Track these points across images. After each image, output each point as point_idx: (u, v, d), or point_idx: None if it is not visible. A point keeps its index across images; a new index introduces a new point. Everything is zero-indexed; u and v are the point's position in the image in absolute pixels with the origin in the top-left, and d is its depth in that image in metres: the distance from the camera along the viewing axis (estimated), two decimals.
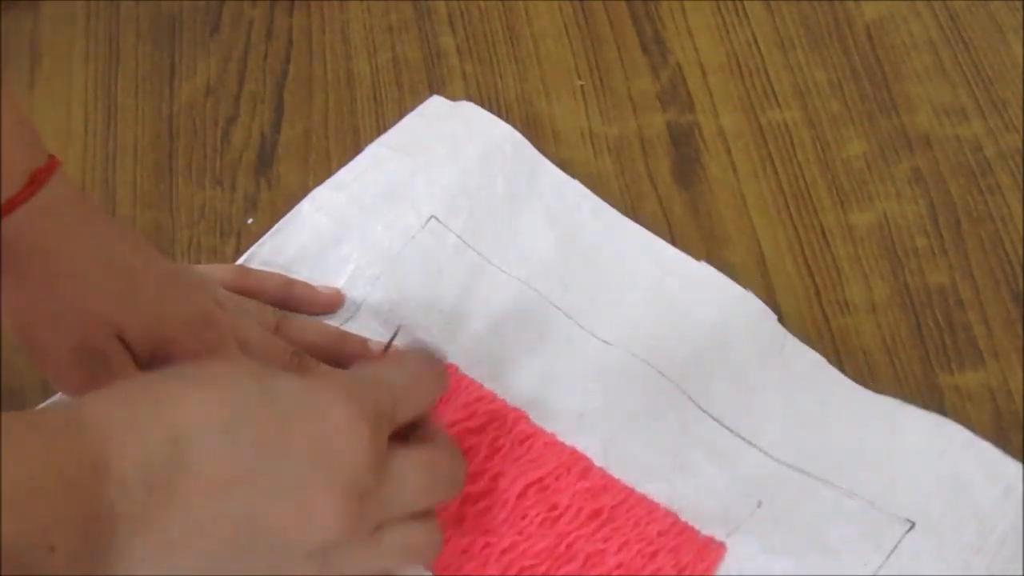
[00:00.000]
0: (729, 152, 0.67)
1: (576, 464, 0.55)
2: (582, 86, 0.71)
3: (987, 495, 0.53)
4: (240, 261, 0.63)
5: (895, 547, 0.52)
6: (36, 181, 0.52)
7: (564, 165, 0.66)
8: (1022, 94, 0.68)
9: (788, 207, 0.65)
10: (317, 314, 0.61)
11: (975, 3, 0.72)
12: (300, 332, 0.59)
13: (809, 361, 0.59)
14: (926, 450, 0.55)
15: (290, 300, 0.61)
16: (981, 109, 0.67)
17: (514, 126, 0.67)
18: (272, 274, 0.61)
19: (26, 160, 0.52)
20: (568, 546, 0.53)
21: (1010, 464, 0.54)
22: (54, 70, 0.74)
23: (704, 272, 0.61)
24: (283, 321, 0.59)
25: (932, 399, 0.58)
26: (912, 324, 0.60)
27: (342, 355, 0.59)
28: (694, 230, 0.64)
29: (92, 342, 0.53)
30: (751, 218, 0.64)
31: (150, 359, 0.54)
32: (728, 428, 0.57)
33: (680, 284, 0.61)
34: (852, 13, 0.73)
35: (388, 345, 0.58)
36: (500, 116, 0.68)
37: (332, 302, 0.61)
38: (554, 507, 0.54)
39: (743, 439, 0.56)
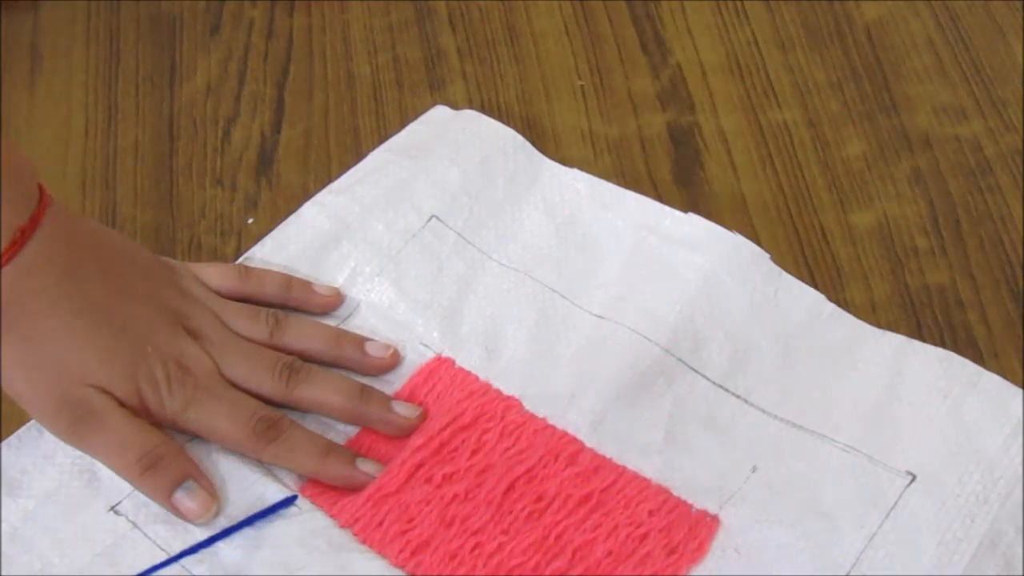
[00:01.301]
0: (729, 152, 0.67)
1: (564, 450, 0.55)
2: (582, 86, 0.71)
3: (993, 437, 0.52)
4: (240, 260, 0.63)
5: (895, 504, 0.51)
6: (16, 243, 0.53)
7: (564, 165, 0.66)
8: (1022, 94, 0.68)
9: (788, 207, 0.65)
10: (315, 314, 0.61)
11: (975, 3, 0.72)
12: (296, 336, 0.59)
13: (806, 304, 0.58)
14: (929, 392, 0.54)
15: (288, 300, 0.61)
16: (981, 109, 0.67)
17: (514, 126, 0.67)
18: (272, 273, 0.61)
19: (12, 216, 0.53)
20: (556, 538, 0.53)
21: (1019, 398, 0.53)
22: (54, 70, 0.74)
23: (693, 224, 0.61)
24: (277, 328, 0.59)
25: None
26: (912, 324, 0.60)
27: (339, 355, 0.59)
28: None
29: (71, 393, 0.54)
30: (751, 218, 0.64)
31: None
32: (723, 387, 0.56)
33: (669, 243, 0.61)
34: (852, 13, 0.73)
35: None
36: (500, 116, 0.68)
37: (330, 302, 0.61)
38: (540, 498, 0.54)
39: (739, 397, 0.56)
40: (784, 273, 0.59)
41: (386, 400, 0.57)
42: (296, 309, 0.61)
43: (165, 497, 0.54)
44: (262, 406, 0.56)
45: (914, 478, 0.52)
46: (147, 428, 0.55)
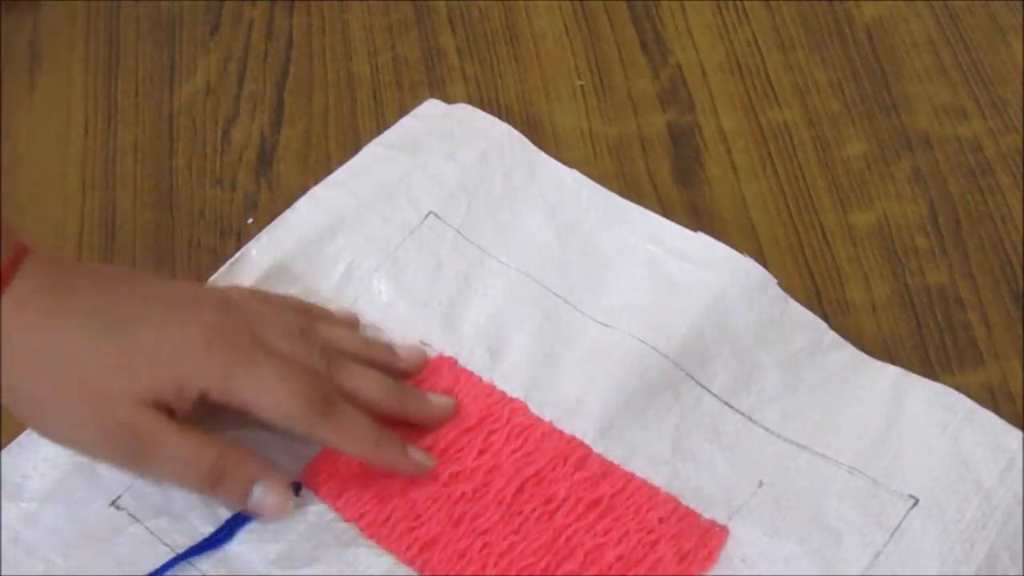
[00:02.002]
0: (729, 152, 0.67)
1: (573, 453, 0.55)
2: (582, 86, 0.71)
3: (990, 469, 0.53)
4: (236, 256, 0.62)
5: (899, 525, 0.52)
6: (5, 278, 0.51)
7: (563, 165, 0.66)
8: (1022, 94, 0.68)
9: (788, 207, 0.65)
10: None
11: (975, 3, 0.72)
12: (327, 338, 0.57)
13: (809, 330, 0.59)
14: (929, 424, 0.55)
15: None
16: (981, 109, 0.67)
17: (514, 126, 0.67)
18: (289, 299, 0.59)
19: None
20: (567, 540, 0.53)
21: (1013, 436, 0.54)
22: (54, 70, 0.74)
23: (702, 243, 0.61)
24: (308, 328, 0.56)
25: None
26: (912, 324, 0.60)
27: (369, 362, 0.57)
28: (694, 230, 0.64)
29: (110, 420, 0.51)
30: (751, 218, 0.64)
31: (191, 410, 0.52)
32: (728, 404, 0.57)
33: (678, 260, 0.61)
34: (852, 13, 0.73)
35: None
36: (500, 116, 0.68)
37: (349, 320, 0.60)
38: (550, 500, 0.54)
39: (744, 415, 0.56)
40: (790, 299, 0.59)
41: (421, 393, 0.57)
42: None
43: (242, 505, 0.53)
44: (317, 377, 0.53)
45: (917, 502, 0.53)
46: (202, 440, 0.52)
